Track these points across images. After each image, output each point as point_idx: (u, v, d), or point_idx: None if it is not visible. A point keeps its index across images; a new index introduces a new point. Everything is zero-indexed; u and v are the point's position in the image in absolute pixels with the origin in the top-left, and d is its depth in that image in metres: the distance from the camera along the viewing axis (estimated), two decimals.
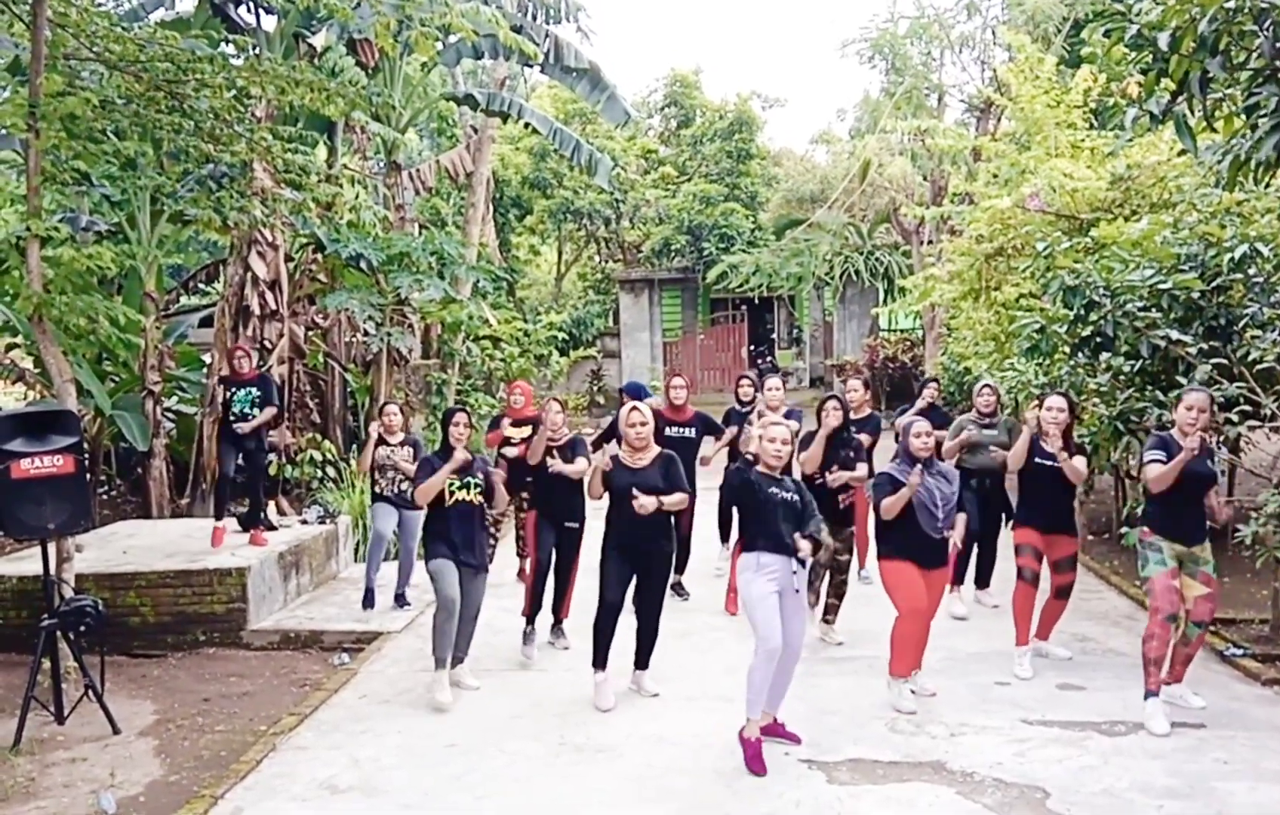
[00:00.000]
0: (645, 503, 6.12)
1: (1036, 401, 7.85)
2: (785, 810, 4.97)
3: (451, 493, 6.60)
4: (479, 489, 6.68)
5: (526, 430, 8.70)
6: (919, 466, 6.07)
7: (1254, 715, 5.88)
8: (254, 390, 9.09)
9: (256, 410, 9.06)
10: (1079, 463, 6.84)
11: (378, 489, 8.51)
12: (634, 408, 6.53)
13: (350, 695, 6.83)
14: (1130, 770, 5.26)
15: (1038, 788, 5.10)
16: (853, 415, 7.83)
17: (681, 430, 8.33)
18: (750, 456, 5.87)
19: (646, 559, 6.41)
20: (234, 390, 9.10)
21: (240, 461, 9.18)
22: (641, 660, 6.65)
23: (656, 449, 6.52)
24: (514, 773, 5.50)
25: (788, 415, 8.08)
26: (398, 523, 8.54)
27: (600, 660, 6.50)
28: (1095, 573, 9.49)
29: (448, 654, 6.64)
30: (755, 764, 5.39)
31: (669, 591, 8.60)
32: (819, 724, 5.97)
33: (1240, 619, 7.66)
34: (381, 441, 8.47)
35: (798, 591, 5.58)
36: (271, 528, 9.46)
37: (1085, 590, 8.94)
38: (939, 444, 8.05)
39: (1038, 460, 6.87)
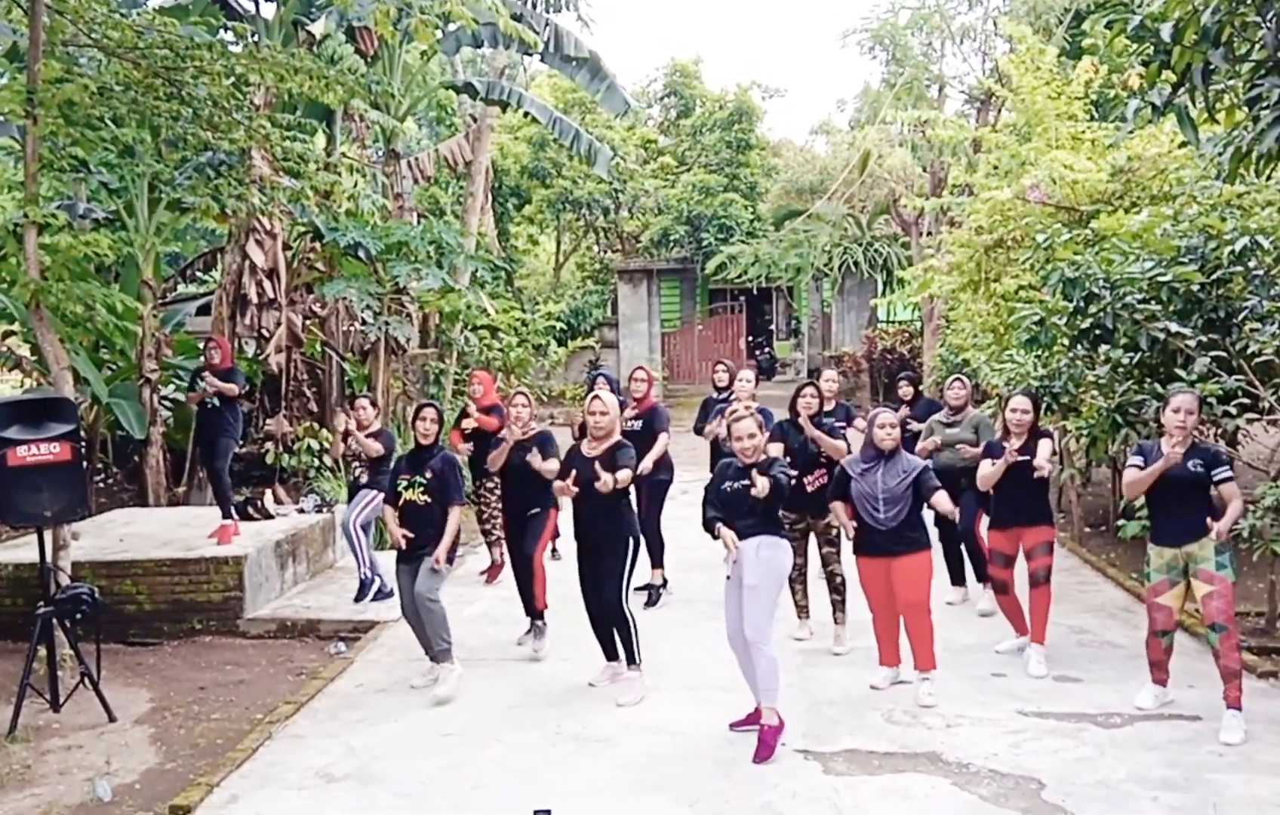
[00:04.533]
0: (606, 480, 6.05)
1: (1002, 402, 7.73)
2: (782, 801, 4.97)
3: (399, 494, 6.55)
4: (422, 488, 6.47)
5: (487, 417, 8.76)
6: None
7: (1250, 708, 5.85)
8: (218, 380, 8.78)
9: (217, 400, 8.78)
10: (1044, 446, 6.74)
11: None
12: (595, 396, 6.48)
13: (347, 684, 6.83)
14: (1126, 762, 5.27)
15: (1033, 779, 5.11)
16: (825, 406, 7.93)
17: (629, 423, 8.23)
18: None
19: (595, 540, 6.30)
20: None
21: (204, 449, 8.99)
22: (606, 648, 6.52)
23: (616, 439, 6.42)
24: (511, 762, 5.50)
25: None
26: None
27: (607, 653, 6.53)
28: (1092, 565, 9.49)
29: (429, 648, 6.63)
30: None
31: (647, 596, 8.34)
32: (816, 714, 5.97)
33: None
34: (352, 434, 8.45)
35: (730, 577, 5.60)
36: (268, 516, 9.43)
37: (1083, 582, 8.95)
38: (914, 437, 8.08)
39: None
